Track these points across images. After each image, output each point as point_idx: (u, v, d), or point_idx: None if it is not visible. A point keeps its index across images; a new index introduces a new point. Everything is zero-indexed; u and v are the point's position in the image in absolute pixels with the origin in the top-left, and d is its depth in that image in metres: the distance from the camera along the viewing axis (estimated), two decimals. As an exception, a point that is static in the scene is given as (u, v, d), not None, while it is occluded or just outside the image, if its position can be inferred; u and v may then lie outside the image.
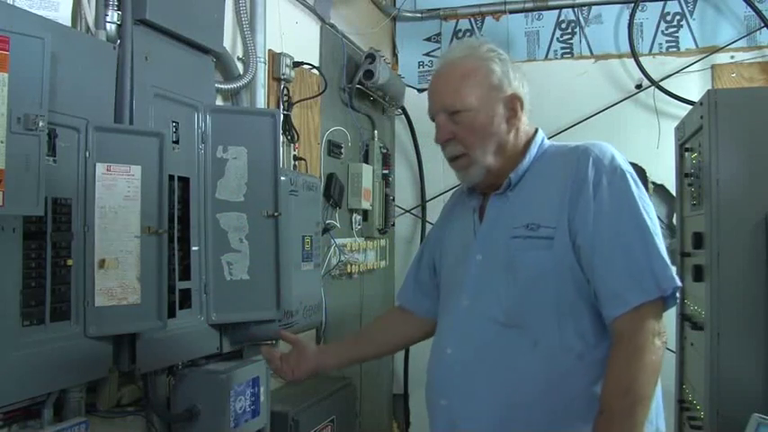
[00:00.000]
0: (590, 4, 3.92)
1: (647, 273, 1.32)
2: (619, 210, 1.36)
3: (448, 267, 1.60)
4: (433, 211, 3.85)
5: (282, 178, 2.25)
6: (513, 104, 1.48)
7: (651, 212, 1.38)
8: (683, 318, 2.51)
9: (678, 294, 1.36)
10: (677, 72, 3.68)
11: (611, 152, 1.43)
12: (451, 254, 1.59)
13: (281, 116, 2.62)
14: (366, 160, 3.62)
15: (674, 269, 1.35)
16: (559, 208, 1.39)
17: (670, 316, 2.61)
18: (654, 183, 3.72)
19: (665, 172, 3.51)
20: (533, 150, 1.51)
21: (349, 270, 3.30)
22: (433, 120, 1.53)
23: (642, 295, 1.31)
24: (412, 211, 4.08)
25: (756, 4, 3.51)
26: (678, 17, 3.80)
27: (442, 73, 1.51)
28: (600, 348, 1.36)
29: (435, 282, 1.71)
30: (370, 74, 3.33)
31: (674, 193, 3.23)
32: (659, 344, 1.30)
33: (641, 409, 1.27)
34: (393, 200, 3.97)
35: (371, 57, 3.34)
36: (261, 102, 2.50)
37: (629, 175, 1.40)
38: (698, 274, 2.18)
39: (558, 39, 4.02)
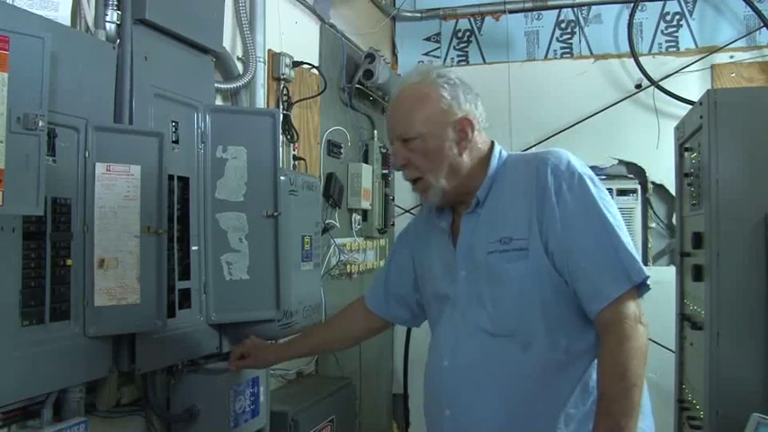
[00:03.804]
0: (589, 4, 3.92)
1: (618, 266, 1.42)
2: (582, 212, 1.45)
3: (435, 286, 1.67)
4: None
5: (282, 178, 2.25)
6: (463, 127, 1.54)
7: (612, 208, 1.48)
8: (683, 318, 2.51)
9: (649, 282, 1.45)
10: (677, 72, 3.69)
11: (567, 158, 1.51)
12: (436, 274, 1.66)
13: (281, 116, 2.62)
14: (366, 160, 3.62)
15: (639, 259, 1.46)
16: (528, 219, 1.48)
17: (670, 315, 2.63)
18: (653, 182, 3.73)
19: (664, 172, 3.51)
20: (493, 164, 1.58)
21: (349, 270, 3.30)
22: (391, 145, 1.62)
23: (618, 288, 1.41)
24: (412, 211, 4.08)
25: (756, 3, 3.51)
26: (678, 17, 3.81)
27: (394, 102, 1.59)
28: (583, 340, 1.48)
29: (415, 297, 1.81)
30: (369, 73, 3.33)
31: (673, 193, 3.23)
32: (642, 328, 1.40)
33: (636, 391, 1.36)
34: (393, 200, 3.97)
35: (371, 56, 3.34)
36: (260, 101, 2.50)
37: (586, 178, 1.48)
38: (697, 273, 2.18)
39: (557, 38, 4.02)
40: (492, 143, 1.63)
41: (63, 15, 1.66)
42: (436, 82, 1.54)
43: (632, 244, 1.47)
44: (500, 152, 1.62)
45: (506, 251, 1.49)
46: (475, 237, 1.55)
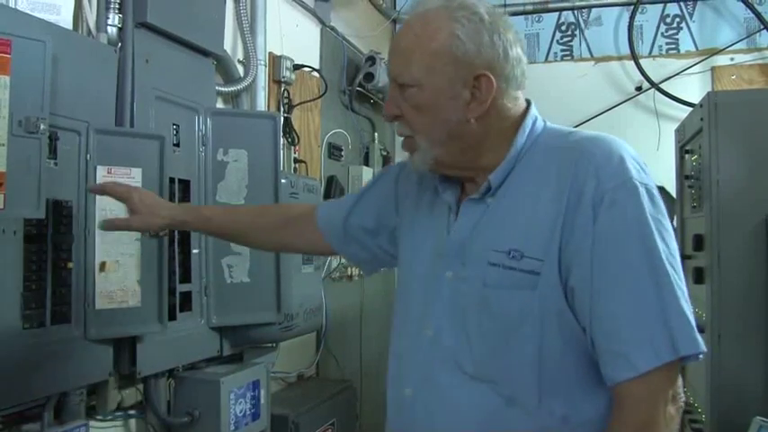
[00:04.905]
0: (590, 7, 3.92)
1: (660, 329, 1.01)
2: (626, 240, 1.03)
3: (413, 271, 1.25)
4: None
5: (283, 181, 2.25)
6: (479, 86, 1.10)
7: (670, 240, 1.05)
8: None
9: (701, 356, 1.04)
10: (677, 74, 3.69)
11: (620, 155, 1.07)
12: (420, 256, 1.24)
13: (282, 119, 2.62)
14: (366, 162, 3.62)
15: (695, 323, 1.03)
16: (549, 233, 1.06)
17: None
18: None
19: (665, 174, 3.50)
20: (520, 140, 1.14)
21: (349, 272, 3.30)
22: None
23: (654, 359, 1.00)
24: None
25: (756, 6, 3.52)
26: (678, 19, 3.81)
27: (398, 32, 1.17)
28: (588, 409, 1.10)
29: (381, 244, 1.41)
30: (370, 76, 3.33)
31: (674, 195, 3.23)
32: (673, 412, 1.04)
33: None
34: (393, 202, 3.96)
35: (372, 59, 3.35)
36: (261, 104, 2.50)
37: (642, 189, 1.05)
38: (698, 276, 2.18)
39: (558, 41, 4.02)
40: (527, 107, 1.18)
41: (65, 19, 1.66)
42: (455, 15, 1.09)
43: (687, 298, 1.04)
44: (534, 122, 1.17)
45: (512, 269, 1.08)
46: (476, 234, 1.14)
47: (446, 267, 1.17)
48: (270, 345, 2.38)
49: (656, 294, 1.01)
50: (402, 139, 1.19)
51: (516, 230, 1.10)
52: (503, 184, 1.14)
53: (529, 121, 1.16)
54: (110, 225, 1.50)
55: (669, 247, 1.04)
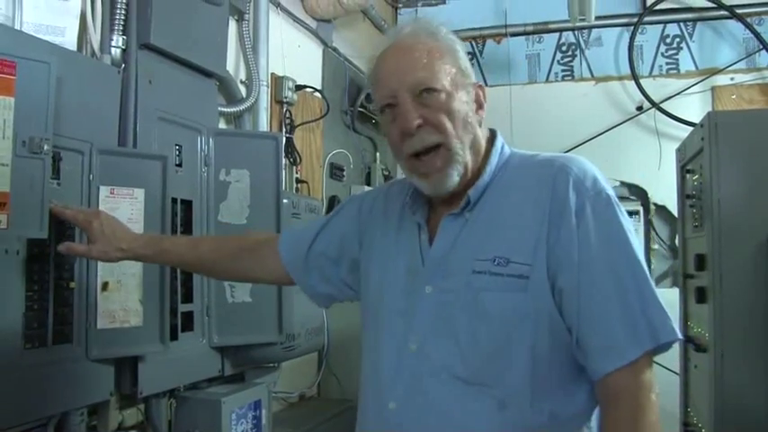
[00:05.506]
0: (590, 27, 3.95)
1: (641, 320, 1.12)
2: (607, 244, 1.14)
3: (385, 292, 1.28)
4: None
5: (285, 201, 2.25)
6: (478, 96, 1.24)
7: (638, 245, 1.17)
8: (687, 340, 2.50)
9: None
10: (678, 94, 3.71)
11: (593, 172, 1.19)
12: (392, 276, 1.27)
13: (284, 139, 2.63)
14: (368, 182, 3.63)
15: (670, 314, 1.15)
16: (534, 240, 1.14)
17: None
18: (655, 204, 3.73)
19: (666, 193, 3.52)
20: (494, 160, 1.24)
21: (351, 292, 3.29)
22: (381, 111, 1.24)
23: (639, 348, 1.11)
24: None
25: (755, 26, 3.54)
26: (678, 39, 3.84)
27: (402, 48, 1.21)
28: (570, 404, 1.17)
29: (344, 279, 1.43)
30: (372, 97, 3.35)
31: (675, 215, 3.24)
32: (655, 398, 1.12)
33: None
34: (395, 221, 3.96)
35: (373, 79, 3.37)
36: (263, 125, 2.51)
37: (613, 201, 1.17)
38: (701, 295, 2.18)
39: (558, 61, 4.05)
40: (494, 133, 1.29)
41: (69, 40, 1.68)
42: (449, 37, 1.23)
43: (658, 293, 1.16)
44: (503, 146, 1.27)
45: (499, 275, 1.14)
46: (457, 248, 1.20)
47: (424, 283, 1.21)
48: (271, 365, 2.38)
49: (637, 291, 1.13)
50: (420, 156, 1.19)
51: (500, 239, 1.17)
52: (480, 200, 1.21)
53: (498, 145, 1.27)
54: (68, 249, 1.50)
55: (638, 251, 1.16)
